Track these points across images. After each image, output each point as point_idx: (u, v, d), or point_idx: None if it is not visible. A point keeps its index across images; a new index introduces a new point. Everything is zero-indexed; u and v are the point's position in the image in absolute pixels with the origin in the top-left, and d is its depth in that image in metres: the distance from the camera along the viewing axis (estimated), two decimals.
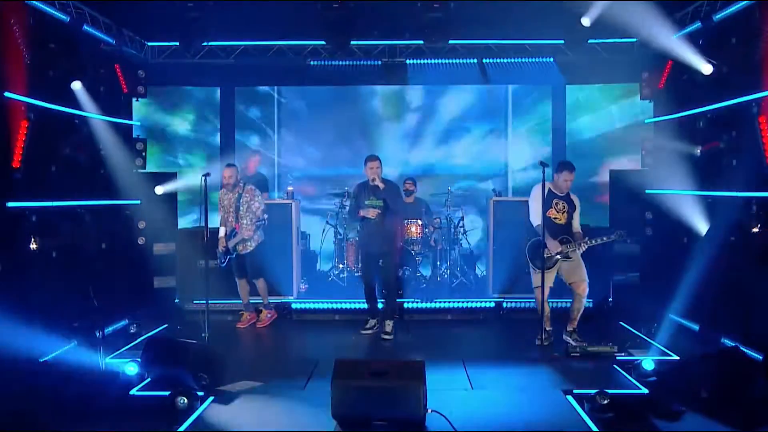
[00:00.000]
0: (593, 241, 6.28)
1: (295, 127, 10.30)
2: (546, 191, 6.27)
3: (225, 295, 7.37)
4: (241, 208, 6.97)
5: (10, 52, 5.65)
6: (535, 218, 6.28)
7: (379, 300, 6.98)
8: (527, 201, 6.47)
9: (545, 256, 6.15)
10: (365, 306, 7.10)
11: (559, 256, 6.22)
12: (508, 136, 10.22)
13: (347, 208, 7.64)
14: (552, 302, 6.78)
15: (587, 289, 6.29)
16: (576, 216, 6.42)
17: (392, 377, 4.30)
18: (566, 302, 6.73)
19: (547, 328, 6.43)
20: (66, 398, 4.79)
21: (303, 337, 7.20)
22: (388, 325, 6.81)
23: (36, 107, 6.04)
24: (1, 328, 5.18)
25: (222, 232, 7.09)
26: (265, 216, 7.09)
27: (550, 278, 6.27)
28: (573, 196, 6.46)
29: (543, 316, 6.37)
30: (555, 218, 6.33)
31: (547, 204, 6.28)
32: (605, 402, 4.47)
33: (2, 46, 5.58)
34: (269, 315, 7.39)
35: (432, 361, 5.74)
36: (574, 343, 6.16)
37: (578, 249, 6.26)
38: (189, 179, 8.28)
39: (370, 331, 6.93)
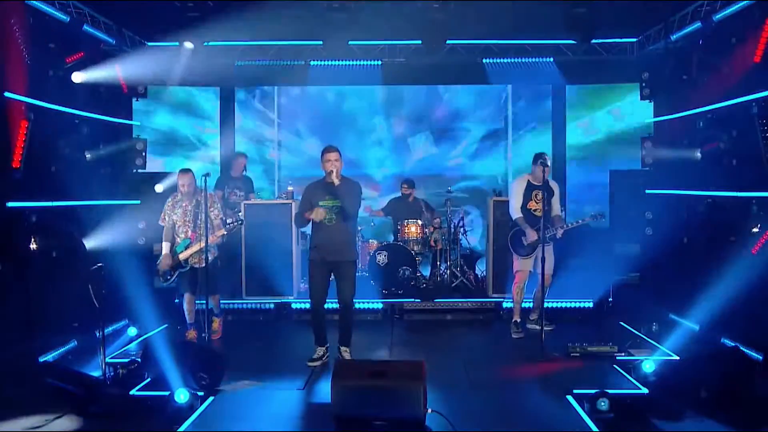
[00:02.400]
0: (569, 225, 6.56)
1: (294, 127, 10.31)
2: (525, 183, 6.67)
3: (225, 295, 7.36)
4: (200, 216, 6.23)
5: (10, 52, 5.65)
6: (514, 212, 6.68)
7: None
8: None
9: (524, 243, 6.58)
10: (314, 331, 5.92)
11: (536, 243, 6.47)
12: (508, 136, 10.23)
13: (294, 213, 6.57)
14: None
15: (550, 280, 6.52)
16: (555, 201, 6.70)
17: (392, 377, 4.30)
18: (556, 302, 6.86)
19: (516, 320, 6.77)
20: (66, 398, 4.78)
21: (303, 337, 7.18)
22: (345, 352, 5.81)
23: (36, 107, 6.04)
24: (0, 328, 5.18)
25: (166, 248, 6.42)
26: (240, 215, 6.70)
27: (530, 264, 6.66)
28: (552, 183, 6.70)
29: (518, 303, 6.76)
30: (534, 210, 6.64)
31: (527, 197, 6.65)
32: (603, 404, 4.48)
33: (2, 46, 5.59)
34: (220, 322, 6.88)
35: (432, 361, 5.77)
36: (537, 328, 6.42)
37: (557, 234, 6.48)
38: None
39: (318, 363, 5.78)
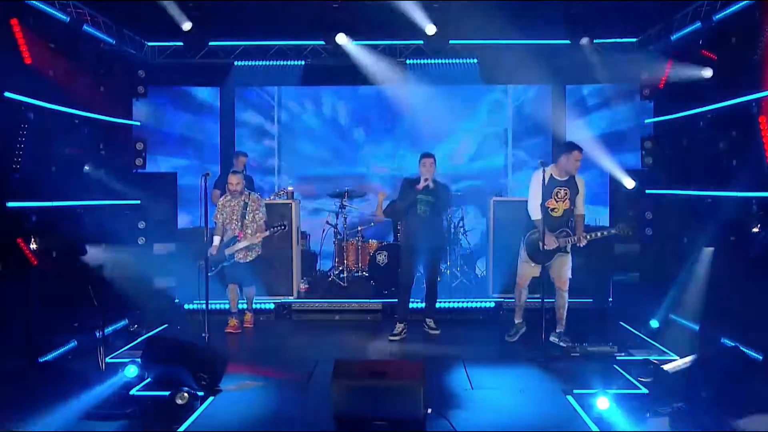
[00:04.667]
0: (593, 235, 6.05)
1: (295, 127, 10.30)
2: (547, 178, 5.88)
3: (225, 295, 7.35)
4: (247, 216, 6.90)
5: (10, 52, 5.65)
6: (534, 212, 6.00)
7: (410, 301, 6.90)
8: (527, 201, 6.22)
9: (540, 249, 5.86)
10: (396, 308, 6.94)
11: (556, 251, 6.07)
12: (508, 136, 10.23)
13: (391, 204, 7.23)
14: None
15: (567, 284, 6.20)
16: (579, 200, 6.09)
17: (392, 377, 4.30)
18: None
19: (517, 321, 6.56)
20: (66, 398, 4.79)
21: (303, 337, 7.20)
22: (432, 321, 6.95)
23: (36, 107, 6.04)
24: (0, 328, 5.18)
25: (216, 241, 6.93)
26: (285, 223, 7.03)
27: (537, 271, 6.15)
28: (578, 179, 6.11)
29: (518, 308, 6.49)
30: (553, 209, 6.01)
31: (547, 193, 5.93)
32: (604, 404, 4.49)
33: (2, 46, 5.59)
34: (252, 316, 7.39)
35: (432, 361, 5.78)
36: (563, 345, 6.12)
37: (578, 243, 6.03)
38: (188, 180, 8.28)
39: (398, 338, 6.69)
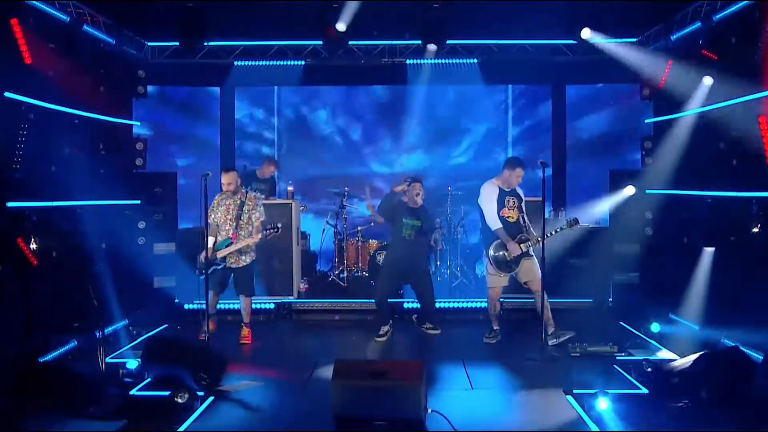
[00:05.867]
0: (548, 234, 6.14)
1: (294, 127, 10.30)
2: (498, 190, 6.35)
3: (225, 295, 7.35)
4: (243, 217, 6.51)
5: (10, 52, 5.65)
6: (494, 222, 6.29)
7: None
8: (483, 214, 6.45)
9: (507, 259, 6.25)
10: (382, 314, 6.92)
11: (520, 257, 6.29)
12: (508, 136, 10.23)
13: (380, 203, 7.20)
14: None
15: (540, 284, 6.25)
16: (524, 207, 6.48)
17: (392, 377, 4.30)
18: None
19: (495, 327, 6.63)
20: (66, 398, 4.79)
21: (303, 337, 7.20)
22: (429, 323, 7.07)
23: (36, 107, 6.04)
24: (1, 328, 5.18)
25: (211, 242, 6.48)
26: (279, 225, 6.56)
27: (506, 280, 6.44)
28: (518, 189, 6.52)
29: (493, 317, 6.61)
30: (508, 217, 6.33)
31: (500, 203, 6.33)
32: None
33: (2, 46, 5.58)
34: (250, 333, 6.80)
35: (432, 361, 5.78)
36: (562, 339, 6.22)
37: (537, 244, 6.20)
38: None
39: (384, 338, 6.77)
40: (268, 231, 6.45)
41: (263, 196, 8.07)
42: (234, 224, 6.49)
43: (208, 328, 6.22)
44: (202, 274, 6.43)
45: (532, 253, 6.35)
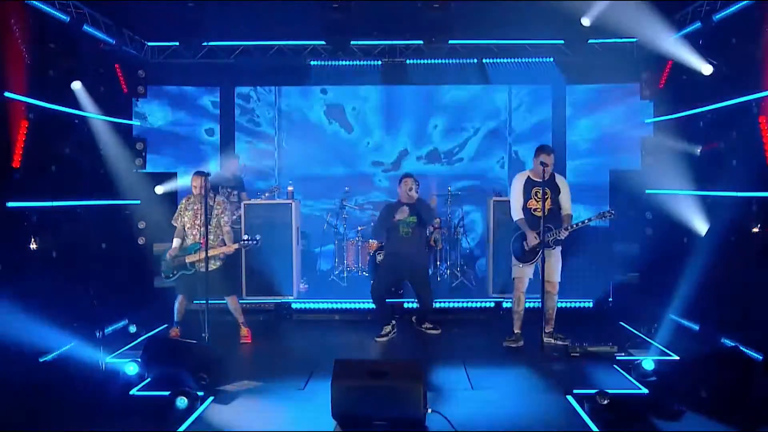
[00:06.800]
0: (573, 226, 6.12)
1: (295, 126, 10.30)
2: (525, 181, 6.28)
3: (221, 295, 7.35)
4: (212, 221, 6.31)
5: (10, 52, 5.66)
6: (515, 213, 6.31)
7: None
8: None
9: (525, 249, 6.19)
10: (380, 312, 6.92)
11: (538, 248, 6.13)
12: (508, 136, 10.23)
13: (372, 226, 7.30)
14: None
15: (557, 287, 6.27)
16: (563, 200, 6.27)
17: (392, 377, 4.30)
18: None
19: (516, 331, 6.42)
20: (66, 398, 4.79)
21: (303, 337, 7.19)
22: (428, 323, 7.05)
23: (36, 107, 6.04)
24: (1, 328, 5.18)
25: (176, 243, 6.42)
26: (258, 237, 6.31)
27: (530, 271, 6.32)
28: (558, 179, 6.33)
29: (516, 315, 6.40)
30: (534, 209, 6.22)
31: (526, 195, 6.25)
32: (605, 402, 4.48)
33: (2, 46, 5.59)
34: (249, 332, 6.75)
35: (432, 361, 5.78)
36: (560, 343, 6.18)
37: (558, 235, 6.10)
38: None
39: (386, 338, 6.73)
40: (245, 242, 6.30)
41: (236, 198, 8.04)
42: (204, 229, 6.23)
43: (206, 329, 6.22)
44: (168, 278, 6.39)
45: (554, 246, 6.18)
